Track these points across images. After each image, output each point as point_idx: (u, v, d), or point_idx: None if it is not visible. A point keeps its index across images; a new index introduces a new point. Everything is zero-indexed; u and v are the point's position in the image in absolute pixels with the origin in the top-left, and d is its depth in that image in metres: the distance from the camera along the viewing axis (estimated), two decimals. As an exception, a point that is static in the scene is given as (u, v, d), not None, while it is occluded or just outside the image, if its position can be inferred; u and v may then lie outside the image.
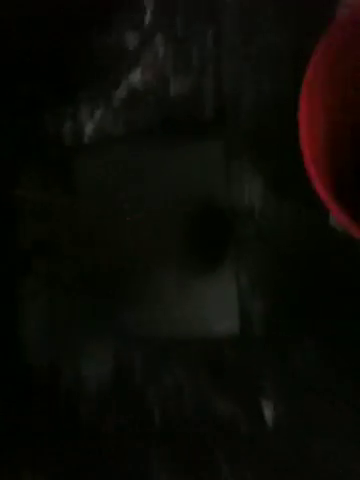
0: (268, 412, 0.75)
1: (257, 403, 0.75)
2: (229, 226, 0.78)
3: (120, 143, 0.83)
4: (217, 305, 0.79)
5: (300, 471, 0.74)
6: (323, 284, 0.75)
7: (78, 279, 0.84)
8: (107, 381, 0.80)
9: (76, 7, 0.81)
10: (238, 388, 0.76)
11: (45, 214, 0.86)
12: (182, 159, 0.81)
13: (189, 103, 0.80)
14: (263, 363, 0.76)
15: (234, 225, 0.78)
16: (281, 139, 0.76)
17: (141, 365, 0.79)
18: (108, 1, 0.83)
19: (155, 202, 0.82)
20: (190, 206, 0.81)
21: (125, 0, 0.82)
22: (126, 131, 0.83)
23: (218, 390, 0.76)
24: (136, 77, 0.82)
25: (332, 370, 0.74)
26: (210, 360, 0.78)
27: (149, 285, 0.81)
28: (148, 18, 0.82)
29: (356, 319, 0.73)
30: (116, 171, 0.83)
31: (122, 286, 0.82)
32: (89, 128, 0.83)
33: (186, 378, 0.77)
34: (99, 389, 0.80)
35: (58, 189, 0.86)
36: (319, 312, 0.75)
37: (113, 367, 0.80)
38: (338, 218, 0.51)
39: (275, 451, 0.75)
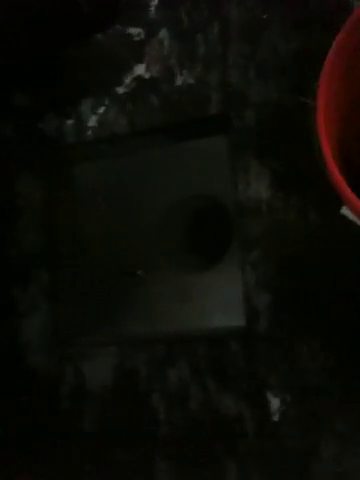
0: (274, 409, 0.74)
1: (263, 400, 0.74)
2: (235, 222, 0.78)
3: (124, 138, 0.83)
4: (222, 302, 0.78)
5: (307, 469, 0.73)
6: (330, 280, 0.75)
7: (80, 280, 0.83)
8: (110, 381, 0.79)
9: (81, 2, 0.80)
10: (243, 385, 0.75)
11: (46, 214, 0.85)
12: (187, 154, 0.81)
13: (194, 98, 0.79)
14: (268, 360, 0.75)
15: (240, 221, 0.77)
16: (287, 134, 0.76)
17: (145, 364, 0.78)
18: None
19: (159, 198, 0.82)
20: (195, 202, 0.81)
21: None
22: (130, 126, 0.82)
23: (223, 387, 0.75)
24: (141, 72, 0.81)
25: (338, 367, 0.74)
26: (215, 357, 0.77)
27: (153, 283, 0.80)
28: (153, 13, 0.81)
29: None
30: (119, 167, 0.83)
31: (126, 284, 0.82)
32: (92, 123, 0.83)
33: (191, 376, 0.76)
34: (102, 390, 0.79)
35: (59, 186, 0.85)
36: (325, 309, 0.75)
37: (116, 366, 0.79)
38: (355, 208, 0.50)
39: (281, 449, 0.74)
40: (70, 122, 0.83)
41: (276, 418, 0.74)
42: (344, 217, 0.70)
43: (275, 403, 0.74)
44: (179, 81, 0.80)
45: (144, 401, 0.77)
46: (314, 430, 0.73)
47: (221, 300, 0.78)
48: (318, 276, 0.75)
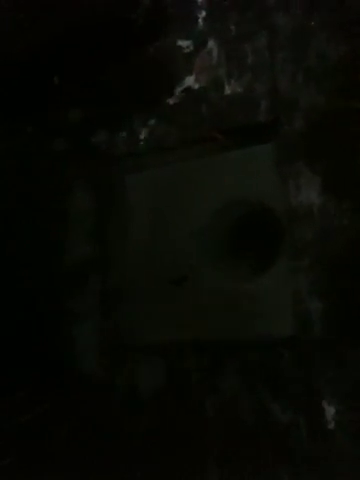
0: (329, 417, 0.73)
1: (318, 408, 0.74)
2: (286, 228, 0.77)
3: (174, 148, 0.84)
4: (273, 309, 0.78)
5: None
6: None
7: (131, 287, 0.85)
8: (162, 390, 0.80)
9: (132, 16, 0.83)
10: (296, 393, 0.75)
11: (99, 223, 0.87)
12: (237, 162, 0.81)
13: (243, 106, 0.80)
14: (321, 367, 0.74)
15: (291, 227, 0.77)
16: (337, 139, 0.76)
17: (196, 372, 0.79)
18: (162, 10, 0.84)
19: (209, 205, 0.82)
20: (245, 209, 0.81)
21: (178, 9, 0.84)
22: (180, 136, 0.83)
23: (276, 396, 0.75)
24: (190, 83, 0.83)
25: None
26: (266, 365, 0.76)
27: (202, 290, 0.81)
28: (201, 24, 0.83)
29: None
30: (170, 176, 0.84)
31: (176, 291, 0.83)
32: (144, 135, 0.85)
33: (242, 384, 0.76)
34: (154, 398, 0.80)
35: (112, 196, 0.87)
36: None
37: (168, 374, 0.80)
38: None
39: (337, 455, 0.73)
40: (122, 135, 0.85)
41: (331, 426, 0.73)
42: None
43: (330, 411, 0.73)
44: (228, 90, 0.81)
45: (196, 409, 0.78)
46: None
47: (272, 307, 0.77)
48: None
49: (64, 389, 0.83)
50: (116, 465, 0.80)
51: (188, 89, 0.83)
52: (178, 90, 0.83)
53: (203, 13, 0.83)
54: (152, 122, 0.84)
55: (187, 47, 0.83)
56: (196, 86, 0.83)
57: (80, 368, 0.83)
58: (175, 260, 0.83)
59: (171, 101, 0.83)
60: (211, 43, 0.82)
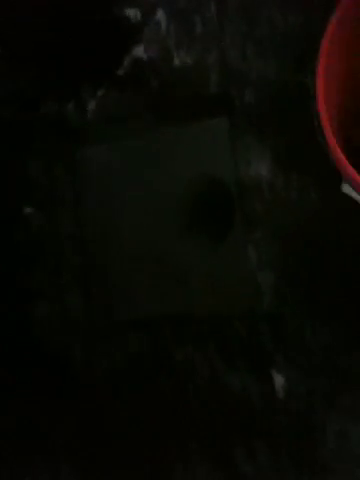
0: (279, 386, 0.75)
1: (268, 376, 0.75)
2: (237, 201, 0.78)
3: (123, 121, 0.83)
4: (227, 280, 0.79)
5: (313, 446, 0.74)
6: (333, 256, 0.75)
7: (88, 263, 0.84)
8: (120, 361, 0.80)
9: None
10: (249, 362, 0.76)
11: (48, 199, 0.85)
12: (187, 136, 0.81)
13: (193, 79, 0.79)
14: (272, 338, 0.76)
15: (242, 201, 0.78)
16: (287, 113, 0.76)
17: (151, 345, 0.79)
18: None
19: (161, 180, 0.82)
20: (196, 183, 0.81)
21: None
22: (129, 109, 0.82)
23: (229, 364, 0.76)
24: (139, 54, 0.81)
25: (343, 344, 0.74)
26: (220, 336, 0.78)
27: (160, 263, 0.80)
28: (149, -6, 0.81)
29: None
30: (119, 150, 0.83)
31: (131, 266, 0.82)
32: (92, 107, 0.83)
33: (197, 353, 0.77)
34: (111, 372, 0.80)
35: (61, 170, 0.85)
36: (329, 287, 0.75)
37: (124, 349, 0.80)
38: (357, 184, 0.51)
39: (286, 425, 0.75)
40: (70, 106, 0.83)
41: (281, 395, 0.75)
42: (345, 195, 0.71)
43: (279, 380, 0.75)
44: (177, 61, 0.80)
45: (153, 379, 0.78)
46: (323, 408, 0.74)
47: (227, 278, 0.78)
48: (320, 254, 0.76)
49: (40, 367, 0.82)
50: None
51: (137, 60, 0.81)
52: (127, 61, 0.81)
53: (152, -17, 0.81)
54: (101, 93, 0.82)
55: (135, 17, 0.81)
56: (145, 57, 0.81)
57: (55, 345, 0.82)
58: (127, 234, 0.83)
59: (120, 72, 0.82)
60: (160, 13, 0.81)
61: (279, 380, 0.75)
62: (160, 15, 0.81)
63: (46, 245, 0.84)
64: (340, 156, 0.51)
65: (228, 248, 0.79)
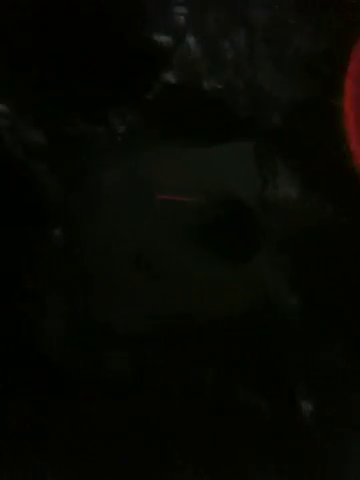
0: (304, 411, 0.74)
1: (290, 399, 0.74)
2: (262, 222, 0.78)
3: (151, 143, 0.84)
4: (248, 299, 0.78)
5: (333, 467, 0.73)
6: (354, 278, 0.74)
7: (103, 270, 0.84)
8: (126, 372, 0.79)
9: (110, 10, 0.82)
10: (266, 380, 0.75)
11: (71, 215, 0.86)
12: (215, 158, 0.82)
13: (221, 102, 0.80)
14: (296, 361, 0.75)
15: (267, 221, 0.78)
16: (315, 136, 0.77)
17: (163, 355, 0.78)
18: (140, 4, 0.84)
19: (186, 203, 0.83)
20: (222, 204, 0.81)
21: (157, 4, 0.84)
22: (159, 132, 0.83)
23: (247, 384, 0.75)
24: (169, 78, 0.83)
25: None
26: (239, 353, 0.77)
27: (180, 278, 0.81)
28: (180, 19, 0.83)
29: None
30: (146, 171, 0.84)
31: (150, 278, 0.82)
32: (121, 130, 0.84)
33: (211, 369, 0.76)
34: (118, 381, 0.79)
35: (89, 190, 0.87)
36: (350, 306, 0.74)
37: (135, 361, 0.79)
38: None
39: (309, 451, 0.74)
40: (100, 129, 0.85)
41: (305, 420, 0.74)
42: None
43: (304, 405, 0.74)
44: (206, 86, 0.81)
45: (161, 392, 0.77)
46: (343, 429, 0.73)
47: (246, 298, 0.78)
48: (347, 278, 0.75)
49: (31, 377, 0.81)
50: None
51: (167, 84, 0.83)
52: (156, 85, 0.83)
53: (183, 9, 0.83)
54: (130, 117, 0.84)
55: (166, 42, 0.83)
56: (174, 81, 0.82)
57: (48, 356, 0.82)
58: (152, 250, 0.83)
59: (150, 96, 0.83)
60: (190, 39, 0.82)
61: (304, 405, 0.74)
62: (190, 40, 0.82)
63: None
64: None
65: (250, 267, 0.79)
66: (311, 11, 0.78)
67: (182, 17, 0.82)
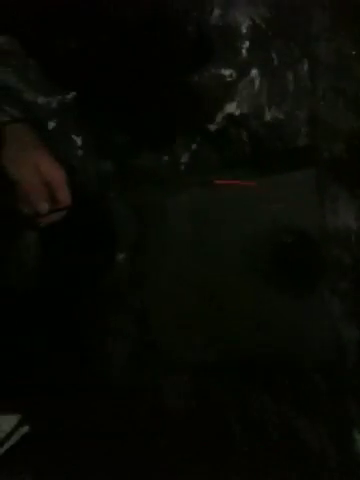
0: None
1: (349, 437, 0.72)
2: (324, 252, 0.77)
3: (213, 173, 0.86)
4: (309, 331, 0.77)
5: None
6: None
7: (167, 304, 0.86)
8: (189, 408, 0.80)
9: (175, 48, 0.86)
10: (328, 419, 0.73)
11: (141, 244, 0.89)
12: (277, 186, 0.82)
13: (283, 132, 0.81)
14: (355, 396, 0.73)
15: (329, 251, 0.77)
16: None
17: (225, 392, 0.78)
18: (208, 41, 0.87)
19: (248, 229, 0.83)
20: (284, 233, 0.82)
21: (223, 39, 0.86)
22: (220, 162, 0.85)
23: (306, 419, 0.74)
24: (232, 110, 0.85)
25: None
26: (301, 387, 0.76)
27: (242, 310, 0.81)
28: (244, 54, 0.85)
29: None
30: (211, 199, 0.86)
31: (215, 311, 0.83)
32: (185, 159, 0.87)
33: (273, 406, 0.76)
34: (180, 410, 0.80)
35: (153, 219, 0.89)
36: None
37: (196, 392, 0.80)
38: None
39: None
40: (165, 158, 0.88)
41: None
42: None
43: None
44: (268, 117, 0.83)
45: (224, 425, 0.77)
46: None
47: (307, 330, 0.77)
48: None
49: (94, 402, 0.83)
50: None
51: (229, 116, 0.85)
52: (220, 116, 0.85)
53: (246, 43, 0.85)
54: (194, 146, 0.86)
55: (230, 76, 0.86)
56: (237, 113, 0.84)
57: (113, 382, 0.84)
58: (214, 281, 0.84)
59: (212, 127, 0.85)
60: (253, 71, 0.84)
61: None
62: (254, 73, 0.84)
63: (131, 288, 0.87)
64: None
65: (313, 298, 0.78)
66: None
67: (245, 50, 0.85)
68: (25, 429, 0.81)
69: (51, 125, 0.95)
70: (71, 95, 0.96)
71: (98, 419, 0.80)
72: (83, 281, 0.89)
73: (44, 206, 0.77)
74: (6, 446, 0.80)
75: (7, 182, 0.77)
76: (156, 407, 0.80)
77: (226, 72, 0.86)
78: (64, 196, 0.78)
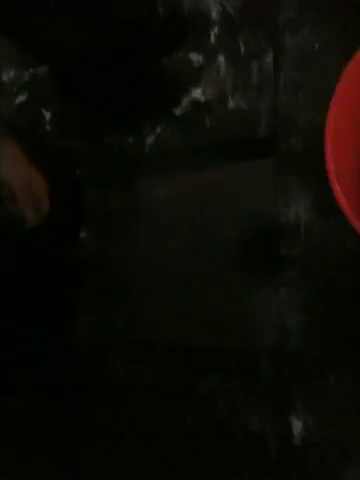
0: (297, 432, 0.75)
1: (287, 421, 0.76)
2: (276, 243, 0.80)
3: (177, 157, 0.88)
4: (258, 319, 0.80)
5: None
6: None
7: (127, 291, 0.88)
8: (141, 386, 0.83)
9: (147, 30, 0.87)
10: (270, 403, 0.77)
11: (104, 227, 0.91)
12: (235, 174, 0.84)
13: (245, 121, 0.83)
14: (296, 380, 0.76)
15: (280, 242, 0.79)
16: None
17: (177, 372, 0.82)
18: (176, 24, 0.88)
19: (206, 218, 0.86)
20: (238, 222, 0.84)
21: (193, 23, 0.87)
22: (184, 145, 0.87)
23: (250, 403, 0.77)
24: (197, 95, 0.86)
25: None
26: (247, 372, 0.79)
27: (199, 295, 0.84)
28: (212, 40, 0.86)
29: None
30: (170, 184, 0.88)
31: (167, 299, 0.86)
32: (150, 141, 0.89)
33: (220, 388, 0.79)
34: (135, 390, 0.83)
35: (118, 202, 0.91)
36: (358, 334, 0.75)
37: (151, 370, 0.83)
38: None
39: (299, 474, 0.75)
40: (130, 140, 0.89)
41: (299, 440, 0.75)
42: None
43: (297, 426, 0.75)
44: (232, 105, 0.84)
45: (173, 408, 0.81)
46: (341, 455, 0.73)
47: (257, 318, 0.80)
48: (354, 301, 0.75)
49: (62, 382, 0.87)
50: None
51: (195, 101, 0.86)
52: (185, 101, 0.86)
53: (216, 29, 0.86)
54: (159, 129, 0.88)
55: (197, 61, 0.87)
56: (202, 99, 0.86)
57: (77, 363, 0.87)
58: (178, 264, 0.86)
59: (178, 111, 0.87)
60: (220, 58, 0.85)
61: (297, 425, 0.75)
62: (220, 60, 0.85)
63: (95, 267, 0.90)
64: (347, 207, 0.52)
65: (263, 287, 0.81)
66: (338, 39, 0.79)
67: (214, 37, 0.85)
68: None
69: (21, 99, 0.96)
70: (43, 69, 0.97)
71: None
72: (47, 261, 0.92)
73: (31, 215, 0.81)
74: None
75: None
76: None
77: (193, 57, 0.87)
78: (47, 205, 0.82)
